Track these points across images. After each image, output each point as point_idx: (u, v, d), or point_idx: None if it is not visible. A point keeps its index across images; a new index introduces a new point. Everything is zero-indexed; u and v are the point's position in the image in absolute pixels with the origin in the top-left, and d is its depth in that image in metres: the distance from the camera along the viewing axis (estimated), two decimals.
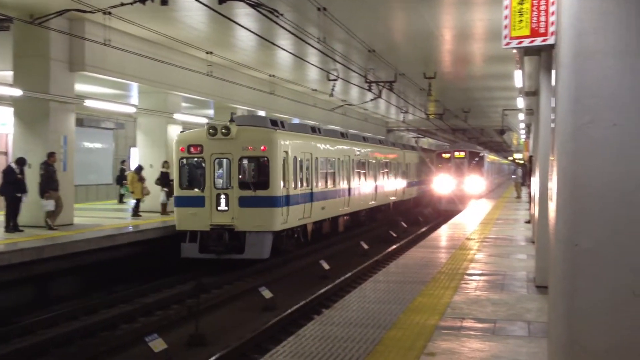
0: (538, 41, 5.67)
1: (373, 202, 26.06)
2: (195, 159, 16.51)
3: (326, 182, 20.10)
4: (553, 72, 4.49)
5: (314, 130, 20.62)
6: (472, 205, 26.30)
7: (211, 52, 19.01)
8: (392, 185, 29.67)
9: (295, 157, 17.32)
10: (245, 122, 17.34)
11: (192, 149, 16.42)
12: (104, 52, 15.84)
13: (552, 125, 4.40)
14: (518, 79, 13.36)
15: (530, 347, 6.05)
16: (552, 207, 4.29)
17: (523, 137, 34.87)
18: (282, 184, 16.35)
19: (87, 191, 25.61)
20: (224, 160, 16.34)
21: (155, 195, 18.84)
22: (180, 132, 19.26)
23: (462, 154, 34.15)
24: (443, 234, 15.79)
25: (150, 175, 19.00)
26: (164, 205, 18.89)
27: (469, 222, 18.73)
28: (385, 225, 27.67)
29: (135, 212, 18.30)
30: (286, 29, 13.44)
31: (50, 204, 14.62)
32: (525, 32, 5.75)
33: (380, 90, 21.64)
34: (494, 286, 8.96)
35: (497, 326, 6.82)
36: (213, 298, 14.02)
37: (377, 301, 7.98)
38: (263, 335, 10.92)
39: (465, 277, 9.64)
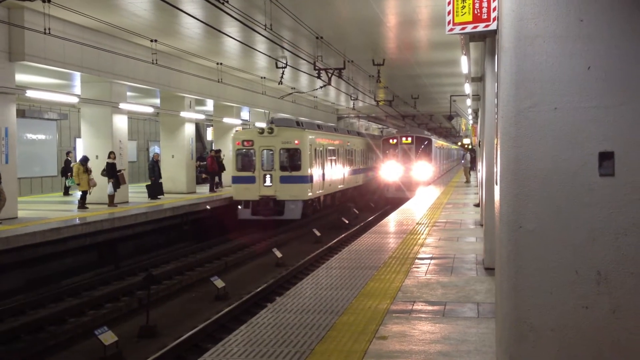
0: (481, 27, 5.73)
1: (359, 182, 33.58)
2: (249, 150, 22.82)
3: (330, 166, 26.59)
4: (496, 57, 4.56)
5: (319, 127, 27.29)
6: (421, 192, 25.30)
7: (156, 40, 18.66)
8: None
9: (315, 149, 23.89)
10: (282, 123, 23.62)
11: (245, 143, 22.82)
12: (44, 41, 15.40)
13: (496, 109, 4.48)
14: (464, 65, 13.56)
15: (480, 327, 6.18)
16: (497, 190, 4.37)
17: (471, 122, 35.23)
18: (309, 167, 22.79)
19: (31, 184, 24.92)
20: (268, 151, 22.77)
21: (102, 186, 18.48)
22: (235, 130, 26.78)
23: (409, 140, 32.84)
24: (394, 219, 15.97)
25: (97, 167, 18.62)
26: (111, 197, 18.55)
27: (419, 207, 18.98)
28: (337, 212, 27.84)
29: (82, 204, 17.92)
30: (232, 16, 13.29)
31: None
32: (468, 18, 5.81)
33: (329, 77, 21.65)
34: (443, 269, 9.10)
35: (447, 308, 6.94)
36: (164, 289, 13.88)
37: (330, 287, 8.02)
38: (215, 324, 10.88)
39: (416, 261, 9.77)
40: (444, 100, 37.78)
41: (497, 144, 4.43)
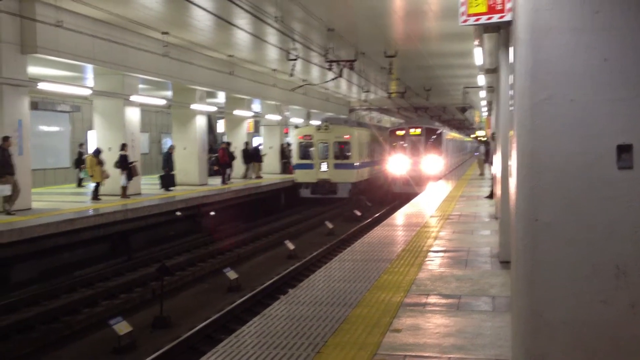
0: (495, 18, 5.70)
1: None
2: (308, 143, 28.62)
3: (369, 155, 31.93)
4: (511, 49, 4.52)
5: (359, 124, 32.74)
6: (433, 186, 23.99)
7: (167, 33, 18.67)
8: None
9: (359, 142, 29.26)
10: (334, 122, 29.78)
11: (306, 137, 28.72)
12: (56, 34, 15.44)
13: (511, 101, 4.44)
14: (478, 56, 13.44)
15: (495, 321, 6.15)
16: (512, 183, 4.34)
17: (485, 114, 34.88)
18: (356, 156, 28.47)
19: (44, 175, 25.07)
20: (324, 144, 28.47)
21: (115, 178, 18.57)
22: (296, 127, 31.36)
23: (418, 131, 30.85)
24: (407, 212, 15.93)
25: (109, 159, 18.70)
26: (124, 188, 18.63)
27: (432, 200, 18.92)
28: (349, 204, 27.85)
29: (95, 195, 18.02)
30: (243, 8, 13.26)
31: (6, 189, 14.29)
32: (482, 9, 5.77)
33: (341, 69, 21.58)
34: (458, 262, 9.07)
35: (461, 302, 6.91)
36: (177, 280, 13.96)
37: (343, 280, 8.02)
38: (228, 316, 10.93)
39: (430, 254, 9.75)
40: (457, 92, 37.53)
41: (512, 137, 4.40)
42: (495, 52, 10.79)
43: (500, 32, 8.65)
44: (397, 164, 30.72)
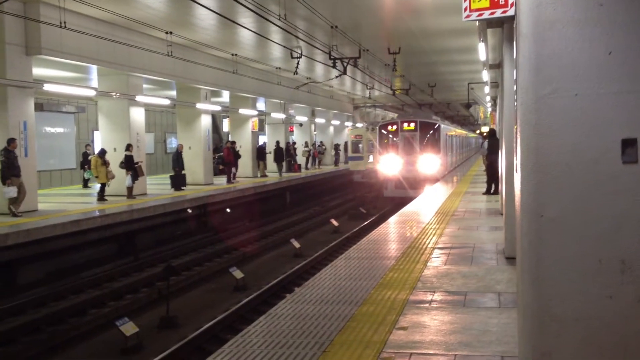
0: (498, 13, 5.67)
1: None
2: (359, 141, 34.08)
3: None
4: (514, 43, 4.49)
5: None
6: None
7: (171, 32, 18.67)
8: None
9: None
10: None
11: (357, 137, 34.30)
12: (60, 35, 15.47)
13: (515, 96, 4.41)
14: (482, 52, 13.41)
15: (501, 317, 6.12)
16: (517, 178, 4.31)
17: (489, 110, 34.71)
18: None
19: (50, 176, 25.14)
20: (369, 141, 32.33)
21: (120, 179, 18.59)
22: (348, 128, 39.41)
23: (412, 126, 27.18)
24: (412, 209, 15.90)
25: (115, 159, 18.73)
26: (129, 189, 18.65)
27: (437, 196, 18.88)
28: (353, 201, 27.84)
29: (101, 196, 18.05)
30: (246, 7, 13.24)
31: (12, 191, 14.33)
32: (485, 4, 5.75)
33: (345, 66, 21.55)
34: (463, 259, 9.04)
35: (467, 298, 6.88)
36: (183, 280, 13.97)
37: (349, 277, 8.00)
38: (234, 315, 10.93)
39: (435, 250, 9.72)
40: (461, 88, 37.40)
41: (516, 132, 4.37)
42: (499, 47, 10.76)
43: (503, 27, 8.61)
44: (388, 165, 27.05)
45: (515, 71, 4.40)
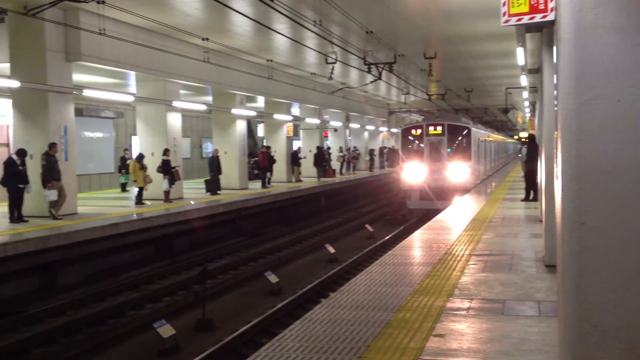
0: (538, 17, 5.60)
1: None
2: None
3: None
4: (554, 48, 4.44)
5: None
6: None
7: (207, 39, 18.89)
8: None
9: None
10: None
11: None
12: (99, 42, 15.76)
13: (556, 102, 4.36)
14: (520, 56, 13.26)
15: (541, 326, 6.03)
16: (557, 185, 4.26)
17: (528, 115, 34.13)
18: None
19: (89, 180, 25.61)
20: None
21: (158, 183, 18.84)
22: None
23: (439, 129, 24.41)
24: (448, 215, 15.77)
25: (152, 164, 18.99)
26: (166, 193, 18.90)
27: (474, 203, 18.70)
28: (387, 206, 27.73)
29: (139, 200, 18.32)
30: (282, 13, 13.33)
31: (53, 194, 14.63)
32: (524, 9, 5.69)
33: (380, 71, 21.51)
34: (502, 266, 8.93)
35: (506, 306, 6.80)
36: (219, 284, 14.08)
37: (384, 284, 7.97)
38: (269, 319, 10.97)
39: (473, 257, 9.62)
40: (499, 93, 36.99)
41: (557, 138, 4.31)
42: (538, 52, 10.63)
43: (542, 32, 8.50)
44: (412, 173, 24.50)
45: (555, 76, 4.35)
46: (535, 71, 12.97)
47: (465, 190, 22.82)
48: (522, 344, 5.53)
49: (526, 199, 17.80)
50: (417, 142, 24.87)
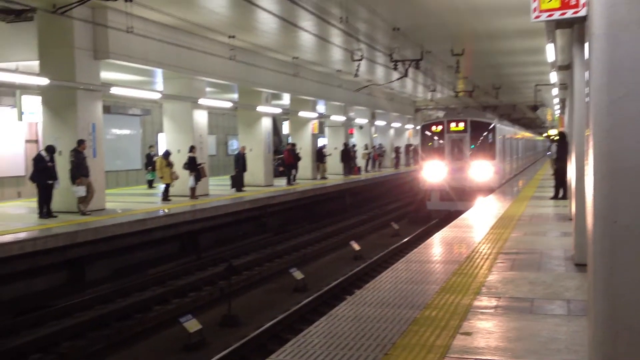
0: (569, 13, 5.54)
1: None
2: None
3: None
4: (586, 45, 4.37)
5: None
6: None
7: (233, 36, 18.97)
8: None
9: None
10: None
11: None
12: (127, 40, 15.91)
13: (587, 99, 4.30)
14: (550, 53, 13.09)
15: (570, 325, 5.95)
16: (588, 183, 4.20)
17: (557, 112, 33.67)
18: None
19: (117, 177, 25.90)
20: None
21: (184, 179, 18.99)
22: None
23: (461, 126, 23.03)
24: (475, 213, 15.65)
25: (178, 160, 19.14)
26: (192, 189, 19.04)
27: (502, 201, 18.53)
28: (412, 204, 27.60)
29: (165, 196, 18.48)
30: (308, 10, 13.33)
31: (81, 190, 14.83)
32: (555, 5, 5.63)
33: (406, 69, 21.41)
34: (530, 265, 8.83)
35: (534, 305, 6.72)
36: (244, 280, 14.15)
37: (409, 281, 7.94)
38: (295, 316, 11.00)
39: (500, 256, 9.53)
40: (528, 90, 36.57)
41: (588, 135, 4.25)
42: (568, 49, 10.49)
43: (573, 28, 8.39)
44: (432, 172, 23.26)
45: (587, 73, 4.29)
46: (565, 68, 12.81)
47: (489, 191, 21.71)
48: (550, 343, 5.46)
49: (555, 197, 17.60)
50: (437, 139, 23.49)
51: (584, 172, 5.90)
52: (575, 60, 8.89)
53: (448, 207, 22.62)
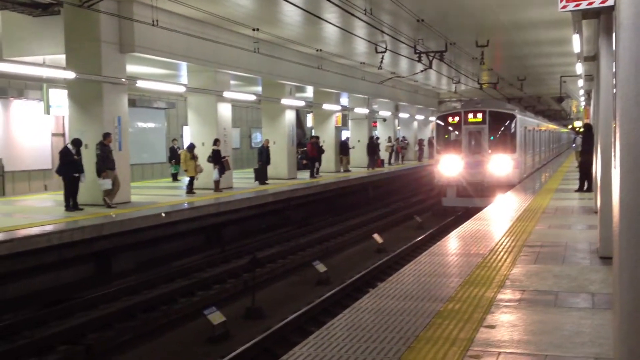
0: (597, 3, 5.46)
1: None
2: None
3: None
4: (613, 35, 4.31)
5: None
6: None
7: (257, 29, 19.00)
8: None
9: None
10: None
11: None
12: (152, 33, 16.01)
13: (614, 90, 4.23)
14: (576, 44, 12.92)
15: (595, 319, 5.89)
16: (615, 175, 4.14)
17: (583, 104, 33.19)
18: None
19: (142, 170, 26.15)
20: None
21: (208, 172, 19.10)
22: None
23: (479, 117, 21.70)
24: (498, 206, 15.53)
25: (203, 153, 19.25)
26: (216, 182, 19.15)
27: (525, 193, 18.37)
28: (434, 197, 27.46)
29: (190, 189, 18.61)
30: (332, 2, 13.30)
31: (107, 183, 14.99)
32: None
33: (430, 60, 21.27)
34: (554, 258, 8.76)
35: (558, 298, 6.66)
36: (268, 272, 14.21)
37: (433, 274, 7.91)
38: (318, 308, 11.03)
39: (525, 249, 9.46)
40: (553, 82, 36.13)
41: (615, 127, 4.19)
42: (595, 39, 10.34)
43: (600, 18, 8.26)
44: (448, 167, 22.10)
45: (614, 64, 4.22)
46: (591, 59, 12.64)
47: (509, 186, 20.37)
48: (575, 337, 5.41)
49: (580, 189, 17.40)
50: (454, 131, 22.13)
51: (610, 164, 5.83)
52: (602, 51, 8.76)
53: (465, 204, 21.65)
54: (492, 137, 21.71)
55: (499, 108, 22.67)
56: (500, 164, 21.39)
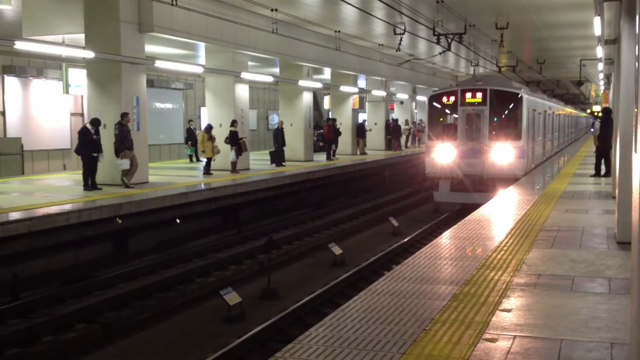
0: None
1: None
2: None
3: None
4: (637, 17, 4.23)
5: None
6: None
7: (276, 10, 18.92)
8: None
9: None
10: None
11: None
12: (171, 13, 16.00)
13: (636, 74, 4.17)
14: (597, 26, 12.74)
15: (611, 303, 5.87)
16: (636, 159, 4.09)
17: (602, 88, 32.75)
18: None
19: (160, 150, 26.27)
20: None
21: (225, 154, 19.15)
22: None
23: (479, 97, 18.37)
24: (515, 190, 15.43)
25: (220, 135, 19.29)
26: (233, 164, 19.19)
27: (543, 177, 18.23)
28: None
29: (207, 170, 18.68)
30: None
31: (125, 163, 15.07)
32: None
33: (449, 42, 21.08)
34: (571, 242, 8.71)
35: (575, 283, 6.63)
36: (284, 254, 14.28)
37: (448, 258, 7.90)
38: (333, 290, 11.07)
39: (541, 233, 9.41)
40: (572, 65, 35.67)
41: (637, 111, 4.13)
42: (616, 22, 10.19)
43: (622, 1, 8.13)
44: (441, 156, 18.98)
45: (636, 47, 4.16)
46: (612, 42, 12.46)
47: (513, 179, 17.54)
48: (591, 321, 5.40)
49: (597, 174, 17.23)
50: (449, 113, 19.15)
51: (629, 148, 5.75)
52: (623, 33, 8.63)
53: (460, 200, 18.79)
54: (495, 120, 18.67)
55: (503, 87, 19.24)
56: (503, 153, 18.28)
